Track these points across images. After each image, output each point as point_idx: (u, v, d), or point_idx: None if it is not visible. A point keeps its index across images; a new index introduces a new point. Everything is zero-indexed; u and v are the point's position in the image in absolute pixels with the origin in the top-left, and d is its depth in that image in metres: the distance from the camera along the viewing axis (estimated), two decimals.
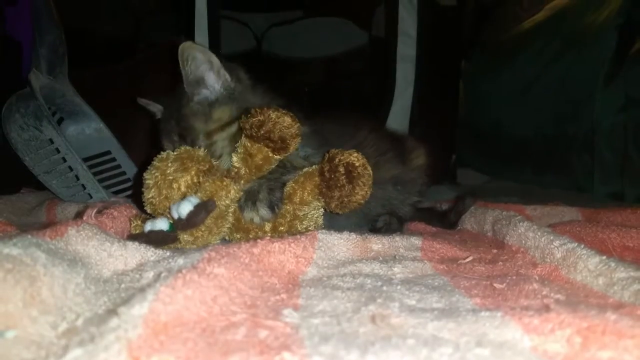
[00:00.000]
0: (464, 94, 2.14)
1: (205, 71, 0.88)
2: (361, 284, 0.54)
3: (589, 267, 0.55)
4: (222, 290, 0.44)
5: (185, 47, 0.85)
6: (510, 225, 0.78)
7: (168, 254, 0.60)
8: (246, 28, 2.18)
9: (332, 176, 0.74)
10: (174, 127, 0.90)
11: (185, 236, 0.73)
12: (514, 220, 0.78)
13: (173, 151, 0.78)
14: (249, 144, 0.77)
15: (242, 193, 0.77)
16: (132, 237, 0.69)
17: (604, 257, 0.55)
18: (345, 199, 0.74)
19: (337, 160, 0.74)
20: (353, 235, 0.73)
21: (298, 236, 0.65)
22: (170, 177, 0.74)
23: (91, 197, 1.12)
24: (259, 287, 0.50)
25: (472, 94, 2.11)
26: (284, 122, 0.75)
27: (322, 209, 0.79)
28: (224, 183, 0.75)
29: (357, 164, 0.74)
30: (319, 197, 0.77)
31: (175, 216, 0.72)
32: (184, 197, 0.74)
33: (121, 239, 0.61)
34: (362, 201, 0.75)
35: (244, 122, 0.76)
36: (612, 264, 0.53)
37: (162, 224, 0.72)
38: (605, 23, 1.45)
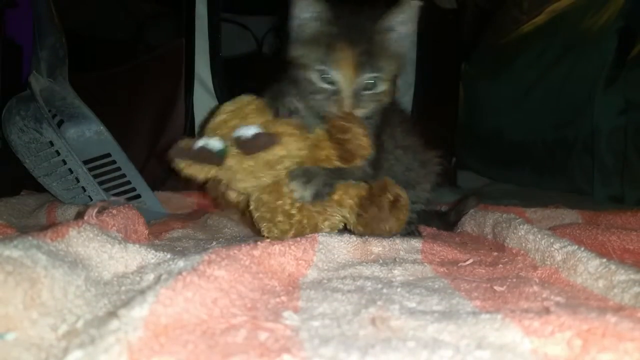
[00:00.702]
0: (463, 97, 2.14)
1: (404, 23, 0.87)
2: (361, 286, 0.54)
3: (589, 269, 0.55)
4: (222, 293, 0.44)
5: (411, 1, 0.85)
6: (511, 227, 0.78)
7: (169, 256, 0.60)
8: (246, 31, 2.18)
9: (379, 197, 0.81)
10: (362, 42, 0.85)
11: (231, 162, 0.76)
12: (514, 223, 0.78)
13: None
14: (322, 136, 0.84)
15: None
16: (177, 152, 0.77)
17: (604, 260, 0.55)
18: (377, 221, 0.80)
19: (389, 187, 0.82)
20: (353, 238, 0.73)
21: (298, 239, 0.65)
22: (246, 112, 0.82)
23: (91, 200, 1.12)
24: (259, 290, 0.50)
25: (472, 97, 2.11)
26: (362, 142, 0.82)
27: (343, 223, 0.84)
28: (293, 138, 0.80)
29: (403, 201, 0.82)
30: (355, 207, 0.81)
31: (237, 135, 0.76)
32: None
33: (121, 240, 0.61)
34: (388, 230, 0.80)
35: (331, 118, 0.84)
36: (613, 267, 0.53)
37: (216, 143, 0.76)
38: (605, 26, 1.45)
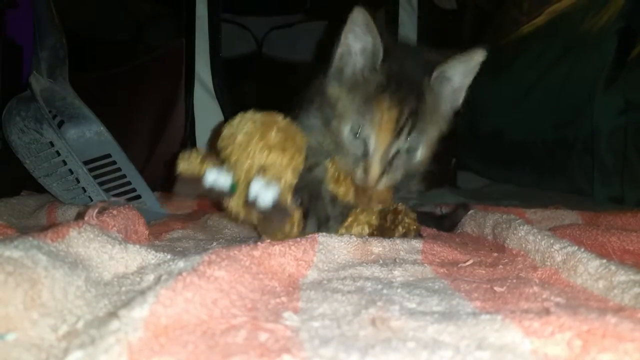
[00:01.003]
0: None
1: (466, 74, 0.79)
2: (361, 287, 0.54)
3: (589, 270, 0.55)
4: (222, 293, 0.44)
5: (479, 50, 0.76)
6: (511, 228, 0.78)
7: (169, 256, 0.60)
8: (247, 31, 2.18)
9: (392, 226, 0.79)
10: (409, 99, 0.73)
11: (238, 213, 0.73)
12: (514, 224, 0.78)
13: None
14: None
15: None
16: (183, 188, 0.70)
17: (604, 261, 0.55)
18: None
19: (400, 217, 0.79)
20: (354, 238, 0.73)
21: (298, 239, 0.65)
22: (267, 144, 0.72)
23: (91, 200, 1.12)
24: (259, 290, 0.50)
25: (472, 98, 2.11)
26: (382, 193, 0.79)
27: None
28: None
29: (414, 230, 0.80)
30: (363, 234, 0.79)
31: (252, 195, 0.70)
32: (263, 169, 0.73)
33: (122, 240, 0.61)
34: None
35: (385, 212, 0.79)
36: (613, 268, 0.53)
37: (225, 180, 0.71)
38: (605, 27, 1.45)
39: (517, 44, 1.90)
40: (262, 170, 0.72)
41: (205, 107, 1.54)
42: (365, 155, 0.74)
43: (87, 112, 1.15)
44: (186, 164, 0.73)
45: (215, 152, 0.77)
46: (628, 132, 1.35)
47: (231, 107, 1.57)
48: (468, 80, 0.78)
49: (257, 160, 0.72)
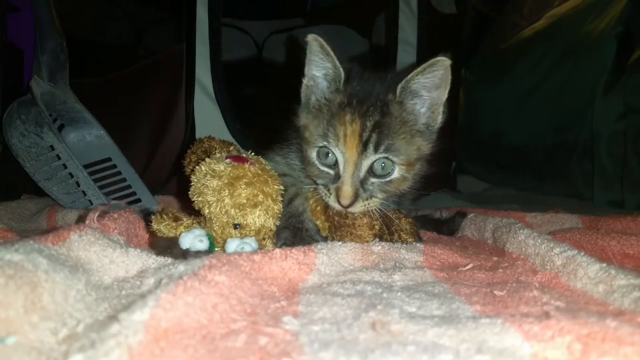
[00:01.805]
0: (463, 102, 2.14)
1: (436, 87, 0.73)
2: (361, 290, 0.54)
3: (589, 274, 0.55)
4: (222, 298, 0.44)
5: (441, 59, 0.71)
6: (511, 232, 0.78)
7: (169, 260, 0.60)
8: (247, 36, 2.19)
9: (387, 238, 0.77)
10: (371, 113, 0.70)
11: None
12: (514, 228, 0.78)
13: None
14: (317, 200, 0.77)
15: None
16: (160, 250, 0.66)
17: (604, 265, 0.55)
18: None
19: (396, 236, 0.78)
20: (355, 243, 0.73)
21: None
22: (237, 202, 0.71)
23: (92, 204, 1.12)
24: (258, 295, 0.50)
25: (472, 102, 2.11)
26: (362, 233, 0.75)
27: None
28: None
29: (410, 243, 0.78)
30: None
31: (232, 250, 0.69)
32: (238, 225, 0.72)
33: (123, 244, 0.61)
34: None
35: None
36: (612, 272, 0.53)
37: (201, 245, 0.68)
38: (605, 31, 1.45)
39: (516, 49, 1.91)
40: (237, 225, 0.72)
41: (206, 111, 1.54)
42: (336, 177, 0.72)
43: (87, 116, 1.15)
44: (160, 226, 0.72)
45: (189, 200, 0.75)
46: (628, 136, 1.36)
47: (231, 111, 1.58)
48: (441, 94, 0.73)
49: (230, 219, 0.71)
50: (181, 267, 0.51)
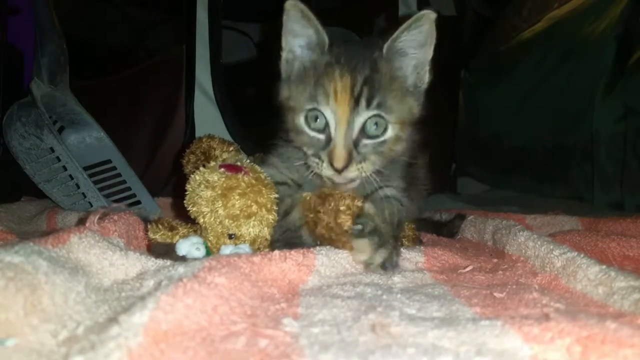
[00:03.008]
0: (463, 104, 2.14)
1: (421, 45, 0.71)
2: (361, 292, 0.54)
3: (588, 276, 0.55)
4: (222, 300, 0.44)
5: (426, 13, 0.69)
6: (510, 234, 0.78)
7: (169, 262, 0.60)
8: (247, 38, 2.19)
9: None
10: (361, 68, 0.67)
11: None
12: (514, 230, 0.78)
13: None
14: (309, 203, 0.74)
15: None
16: (157, 253, 0.66)
17: (604, 267, 0.55)
18: None
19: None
20: None
21: None
22: (231, 213, 0.70)
23: (91, 206, 1.12)
24: (258, 297, 0.50)
25: (472, 104, 2.11)
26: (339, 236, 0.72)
27: None
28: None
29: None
30: None
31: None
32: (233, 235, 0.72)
33: (123, 247, 0.61)
34: None
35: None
36: (612, 273, 0.53)
37: (197, 253, 0.68)
38: (605, 33, 1.45)
39: (516, 50, 1.91)
40: (232, 235, 0.72)
41: (206, 113, 1.54)
42: (328, 141, 0.67)
43: (87, 118, 1.15)
44: (156, 236, 0.73)
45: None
46: (627, 138, 1.36)
47: (231, 113, 1.58)
48: (427, 52, 0.71)
49: (224, 229, 0.71)
50: (181, 269, 0.51)
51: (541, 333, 0.37)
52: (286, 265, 0.58)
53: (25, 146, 1.09)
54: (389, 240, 0.67)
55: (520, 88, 1.81)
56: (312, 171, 0.73)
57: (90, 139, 1.15)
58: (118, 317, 0.37)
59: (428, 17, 0.69)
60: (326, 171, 0.69)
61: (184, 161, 0.89)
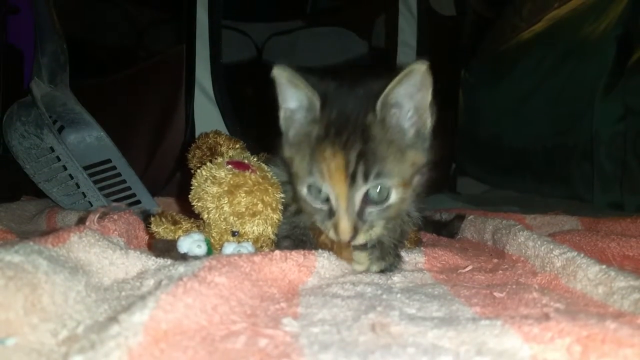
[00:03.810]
0: (463, 104, 2.14)
1: (415, 94, 0.68)
2: (361, 292, 0.54)
3: (588, 276, 0.55)
4: (222, 299, 0.44)
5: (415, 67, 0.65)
6: (510, 234, 0.78)
7: (169, 262, 0.60)
8: (247, 38, 2.19)
9: None
10: (353, 142, 0.65)
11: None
12: (513, 230, 0.78)
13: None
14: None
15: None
16: (159, 252, 0.66)
17: (604, 266, 0.55)
18: None
19: None
20: None
21: None
22: (236, 211, 0.70)
23: (91, 205, 1.12)
24: (258, 297, 0.50)
25: (472, 104, 2.12)
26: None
27: None
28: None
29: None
30: None
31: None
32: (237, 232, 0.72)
33: (123, 246, 0.61)
34: None
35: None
36: (612, 273, 0.53)
37: (199, 250, 0.67)
38: (604, 33, 1.46)
39: (516, 51, 1.91)
40: (236, 233, 0.71)
41: (206, 113, 1.54)
42: (331, 213, 0.66)
43: (87, 118, 1.15)
44: (159, 229, 0.72)
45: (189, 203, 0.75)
46: (627, 138, 1.36)
47: (231, 113, 1.58)
48: (422, 97, 0.68)
49: (228, 226, 0.71)
50: (181, 268, 0.51)
51: (541, 333, 0.38)
52: (286, 266, 0.58)
53: (25, 145, 1.09)
54: (390, 251, 0.68)
55: (520, 88, 1.81)
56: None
57: (90, 139, 1.15)
58: (118, 317, 0.37)
59: (419, 70, 0.64)
60: (334, 237, 0.67)
61: (190, 155, 0.89)
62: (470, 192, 2.00)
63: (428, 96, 0.68)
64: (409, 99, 0.67)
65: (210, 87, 1.55)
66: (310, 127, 0.68)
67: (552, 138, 1.64)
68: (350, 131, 0.65)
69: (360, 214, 0.65)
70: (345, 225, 0.64)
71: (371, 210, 0.66)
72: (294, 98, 0.70)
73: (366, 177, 0.63)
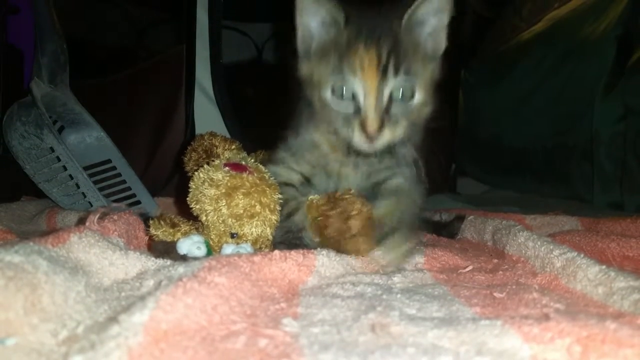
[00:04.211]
0: (463, 104, 2.14)
1: (438, 13, 0.73)
2: (361, 292, 0.54)
3: (588, 276, 0.55)
4: (222, 299, 0.44)
5: None
6: (510, 234, 0.78)
7: (168, 262, 0.60)
8: (247, 38, 2.19)
9: None
10: (384, 39, 0.69)
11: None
12: (513, 230, 0.78)
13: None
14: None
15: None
16: (158, 253, 0.66)
17: (604, 267, 0.55)
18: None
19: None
20: None
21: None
22: (234, 212, 0.71)
23: (91, 206, 1.12)
24: (258, 297, 0.50)
25: (472, 104, 2.12)
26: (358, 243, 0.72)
27: None
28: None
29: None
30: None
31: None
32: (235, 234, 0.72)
33: (123, 246, 0.61)
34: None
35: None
36: (612, 274, 0.53)
37: (198, 252, 0.68)
38: (604, 34, 1.46)
39: (516, 51, 1.91)
40: (235, 235, 0.72)
41: (206, 113, 1.54)
42: (357, 110, 0.69)
43: (87, 118, 1.15)
44: (158, 232, 0.72)
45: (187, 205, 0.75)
46: (627, 138, 1.36)
47: (231, 113, 1.58)
48: (443, 18, 0.73)
49: (227, 228, 0.72)
50: (180, 268, 0.51)
51: (541, 333, 0.38)
52: (286, 265, 0.58)
53: (25, 146, 1.09)
54: (414, 241, 0.71)
55: (520, 88, 1.81)
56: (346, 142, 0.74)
57: (90, 139, 1.15)
58: (118, 317, 0.37)
59: None
60: (358, 139, 0.70)
61: (186, 158, 0.89)
62: (470, 193, 2.00)
63: (446, 18, 0.73)
64: (432, 16, 0.72)
65: (210, 87, 1.55)
66: (336, 37, 0.71)
67: (552, 138, 1.64)
68: (381, 33, 0.68)
69: (387, 109, 0.68)
70: (373, 117, 0.67)
71: (396, 108, 0.69)
72: (316, 15, 0.73)
73: (396, 71, 0.67)
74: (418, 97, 0.71)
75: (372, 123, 0.67)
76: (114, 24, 2.04)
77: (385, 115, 0.68)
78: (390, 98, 0.69)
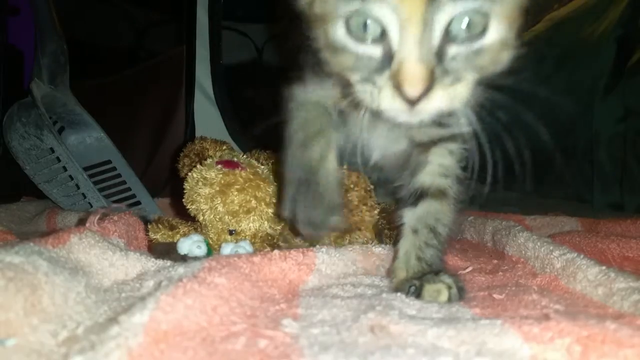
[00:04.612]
0: None
1: None
2: (361, 293, 0.54)
3: (588, 277, 0.55)
4: (222, 300, 0.44)
5: None
6: (510, 235, 0.78)
7: (168, 263, 0.60)
8: (247, 38, 2.19)
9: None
10: None
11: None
12: (513, 231, 0.78)
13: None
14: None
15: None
16: (159, 254, 0.66)
17: (604, 268, 0.55)
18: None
19: (396, 232, 0.70)
20: (355, 245, 0.72)
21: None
22: (229, 210, 0.71)
23: (91, 206, 1.12)
24: (258, 298, 0.50)
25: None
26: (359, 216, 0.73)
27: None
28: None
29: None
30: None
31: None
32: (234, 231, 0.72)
33: (123, 247, 0.61)
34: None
35: None
36: (612, 274, 0.53)
37: (199, 251, 0.68)
38: (605, 34, 1.45)
39: None
40: (233, 231, 0.72)
41: (206, 114, 1.54)
42: (389, 56, 0.42)
43: (87, 119, 1.15)
44: (157, 235, 0.73)
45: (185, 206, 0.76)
46: (627, 139, 1.36)
47: (231, 113, 1.58)
48: None
49: (224, 225, 0.72)
50: (180, 269, 0.51)
51: (541, 333, 0.38)
52: (286, 265, 0.58)
53: (25, 146, 1.09)
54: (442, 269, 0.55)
55: (520, 88, 1.81)
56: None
57: (90, 140, 1.15)
58: (118, 317, 0.37)
59: None
60: (389, 104, 0.43)
61: (179, 165, 0.89)
62: (470, 192, 1.99)
63: None
64: None
65: (211, 87, 1.55)
66: None
67: (552, 138, 1.64)
68: None
69: (440, 55, 0.42)
70: (414, 66, 0.40)
71: (457, 50, 0.43)
72: None
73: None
74: (493, 33, 0.43)
75: (413, 78, 0.41)
76: (114, 24, 2.04)
77: (438, 65, 0.42)
78: (447, 34, 0.42)
